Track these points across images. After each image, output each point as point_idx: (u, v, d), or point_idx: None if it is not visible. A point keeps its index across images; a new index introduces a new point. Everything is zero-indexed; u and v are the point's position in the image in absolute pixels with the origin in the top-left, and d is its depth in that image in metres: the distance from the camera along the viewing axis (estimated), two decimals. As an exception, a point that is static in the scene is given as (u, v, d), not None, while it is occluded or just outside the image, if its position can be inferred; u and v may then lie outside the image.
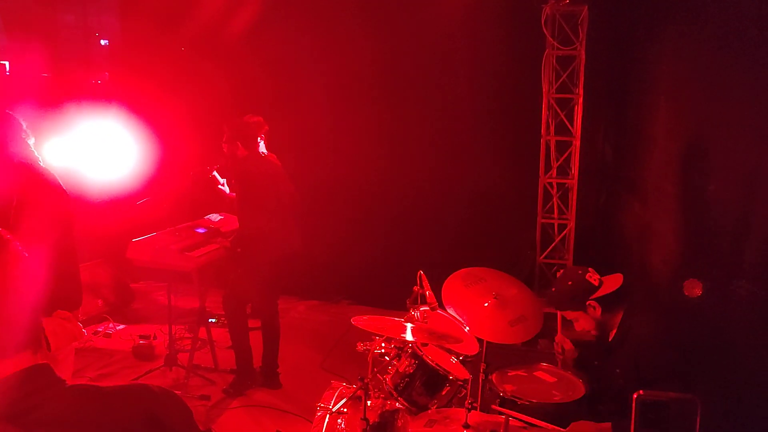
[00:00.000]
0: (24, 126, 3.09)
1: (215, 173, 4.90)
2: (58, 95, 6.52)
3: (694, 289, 3.57)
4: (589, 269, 3.07)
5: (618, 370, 2.88)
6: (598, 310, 2.98)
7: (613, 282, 3.01)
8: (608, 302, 2.98)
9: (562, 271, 3.68)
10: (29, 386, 1.25)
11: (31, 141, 3.12)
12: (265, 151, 4.75)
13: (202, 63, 6.36)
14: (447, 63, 6.21)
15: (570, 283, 3.05)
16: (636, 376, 2.69)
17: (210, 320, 5.49)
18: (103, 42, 10.69)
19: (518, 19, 5.93)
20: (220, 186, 4.92)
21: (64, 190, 3.10)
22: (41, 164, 3.10)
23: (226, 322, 4.91)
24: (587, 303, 2.98)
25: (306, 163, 5.87)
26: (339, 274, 6.53)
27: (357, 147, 6.32)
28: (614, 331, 3.01)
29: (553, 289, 3.17)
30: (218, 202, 5.16)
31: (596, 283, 2.99)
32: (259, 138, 4.67)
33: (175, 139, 6.05)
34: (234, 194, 4.75)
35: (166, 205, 4.86)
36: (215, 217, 5.09)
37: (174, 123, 6.18)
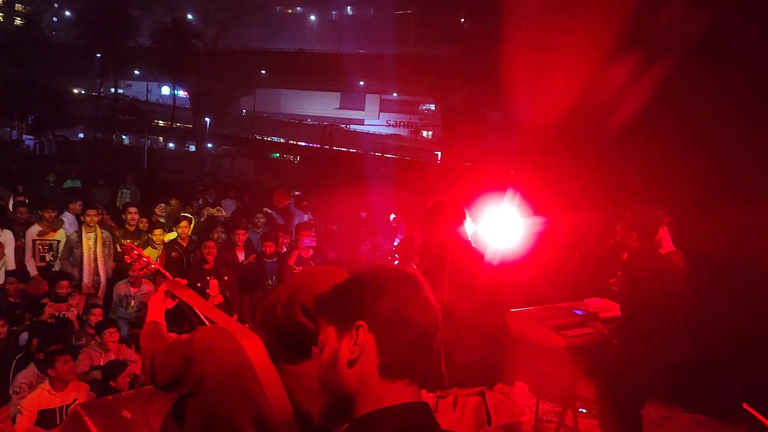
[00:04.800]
0: (463, 211, 3.55)
1: None
2: (474, 180, 7.29)
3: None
4: None
5: None
6: None
7: None
8: None
9: None
10: (407, 420, 1.26)
11: (466, 220, 3.58)
12: (668, 246, 4.50)
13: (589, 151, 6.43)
14: None
15: None
16: None
17: (580, 410, 5.32)
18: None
19: None
20: None
21: (487, 261, 3.47)
22: (470, 242, 3.54)
23: (596, 414, 4.70)
24: None
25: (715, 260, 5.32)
26: (740, 389, 5.64)
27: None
28: None
29: None
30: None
31: None
32: (658, 232, 4.45)
33: (568, 221, 6.18)
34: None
35: (549, 283, 4.97)
36: (596, 301, 4.99)
37: (567, 208, 6.34)
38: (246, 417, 2.03)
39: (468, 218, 3.53)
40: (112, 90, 45.33)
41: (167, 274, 2.69)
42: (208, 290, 6.48)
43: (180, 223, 7.64)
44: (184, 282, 2.56)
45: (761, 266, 5.55)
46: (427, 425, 1.27)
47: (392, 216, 12.21)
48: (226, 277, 6.73)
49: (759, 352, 5.50)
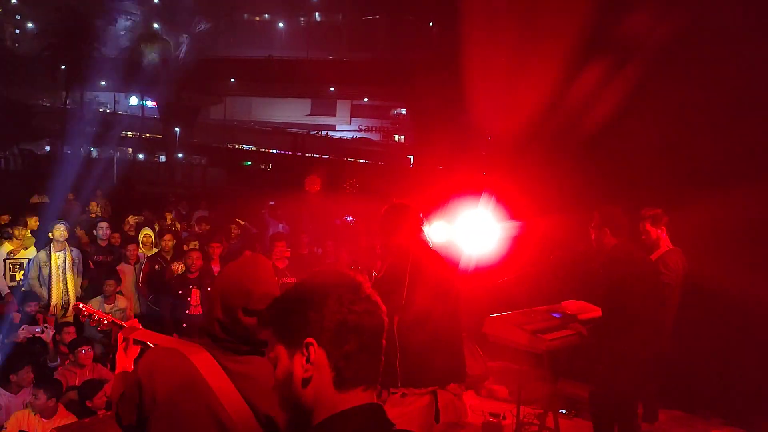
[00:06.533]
0: (420, 215, 3.56)
1: None
2: (447, 184, 7.30)
3: None
4: None
5: None
6: None
7: None
8: None
9: None
10: (361, 421, 1.28)
11: (425, 226, 3.58)
12: (665, 245, 4.58)
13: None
14: None
15: None
16: None
17: (560, 411, 5.36)
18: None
19: None
20: None
21: (450, 266, 3.49)
22: (430, 245, 3.54)
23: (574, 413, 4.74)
24: None
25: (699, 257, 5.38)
26: (714, 386, 5.72)
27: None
28: None
29: None
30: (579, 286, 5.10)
31: None
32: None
33: (542, 224, 6.22)
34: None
35: (525, 286, 5.00)
36: (573, 303, 5.03)
37: (541, 211, 6.39)
38: (207, 429, 2.04)
39: (425, 222, 3.56)
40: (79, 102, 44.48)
41: (121, 322, 2.67)
42: (189, 299, 6.49)
43: (164, 236, 7.62)
44: (138, 324, 2.57)
45: (727, 265, 5.65)
46: (381, 425, 1.30)
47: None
48: (209, 288, 6.71)
49: (740, 350, 5.60)
